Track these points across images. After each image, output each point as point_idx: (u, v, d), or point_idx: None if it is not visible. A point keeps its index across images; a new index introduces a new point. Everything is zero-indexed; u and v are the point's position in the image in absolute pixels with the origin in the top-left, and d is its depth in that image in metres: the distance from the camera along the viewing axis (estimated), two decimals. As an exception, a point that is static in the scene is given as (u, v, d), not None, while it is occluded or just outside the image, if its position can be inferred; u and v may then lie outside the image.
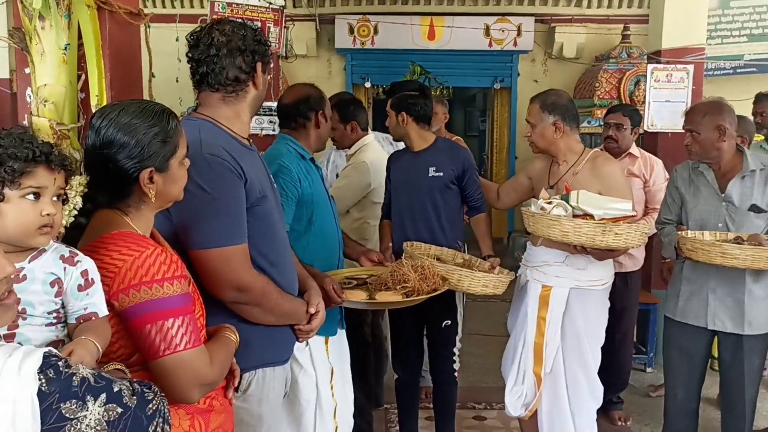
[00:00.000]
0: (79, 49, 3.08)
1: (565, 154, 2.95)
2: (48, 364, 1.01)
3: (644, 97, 5.04)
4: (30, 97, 3.08)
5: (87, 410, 1.02)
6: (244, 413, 1.91)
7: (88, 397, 1.03)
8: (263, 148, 2.51)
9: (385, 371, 4.05)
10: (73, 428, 1.00)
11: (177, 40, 4.56)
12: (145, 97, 3.57)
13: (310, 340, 2.26)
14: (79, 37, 3.07)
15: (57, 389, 0.99)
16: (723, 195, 2.92)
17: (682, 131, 4.86)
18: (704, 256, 2.67)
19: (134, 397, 1.11)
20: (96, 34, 3.04)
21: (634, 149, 3.98)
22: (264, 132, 5.50)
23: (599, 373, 3.07)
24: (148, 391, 1.16)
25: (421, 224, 3.13)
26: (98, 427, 1.03)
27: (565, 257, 2.86)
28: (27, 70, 3.12)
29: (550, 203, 2.70)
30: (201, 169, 1.74)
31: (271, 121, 5.16)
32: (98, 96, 2.96)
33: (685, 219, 3.04)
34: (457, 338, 3.20)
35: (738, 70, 6.70)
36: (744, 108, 4.65)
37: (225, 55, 1.85)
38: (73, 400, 1.01)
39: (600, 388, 3.02)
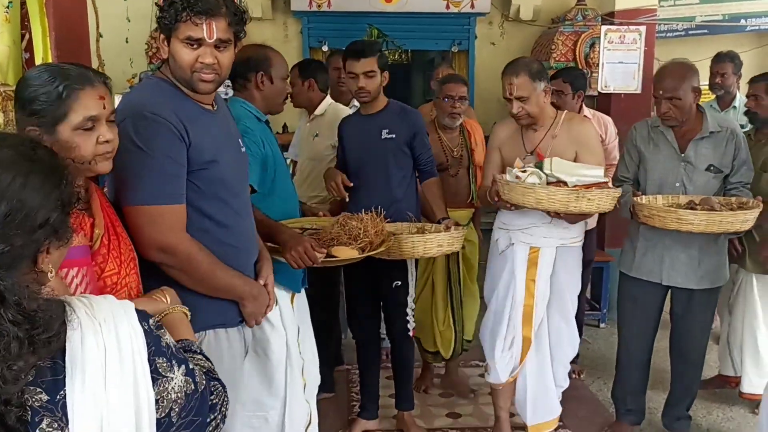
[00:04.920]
0: (22, 8, 2.96)
1: (544, 119, 2.91)
2: (142, 317, 1.08)
3: (599, 59, 5.09)
4: (-28, 58, 2.96)
5: (174, 374, 1.08)
6: None
7: (174, 362, 1.09)
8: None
9: (346, 331, 4.07)
10: (163, 384, 1.06)
11: (125, 0, 4.41)
12: (93, 57, 3.46)
13: (278, 298, 2.26)
14: (22, -6, 2.95)
15: (152, 343, 1.07)
16: (683, 155, 2.97)
17: (635, 92, 4.92)
18: (660, 222, 2.74)
19: (204, 381, 1.17)
20: (39, -8, 2.92)
21: (586, 111, 3.99)
22: (224, 97, 5.37)
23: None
24: (214, 382, 1.22)
25: (375, 190, 3.08)
26: (179, 394, 1.09)
27: (551, 218, 2.84)
28: (-33, 30, 2.99)
29: (524, 171, 2.71)
30: (138, 127, 1.77)
31: (227, 85, 5.06)
32: (43, 56, 2.85)
33: (644, 177, 3.07)
34: (410, 299, 3.21)
35: (690, 32, 6.76)
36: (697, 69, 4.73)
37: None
38: (164, 359, 1.08)
39: (577, 338, 3.11)
